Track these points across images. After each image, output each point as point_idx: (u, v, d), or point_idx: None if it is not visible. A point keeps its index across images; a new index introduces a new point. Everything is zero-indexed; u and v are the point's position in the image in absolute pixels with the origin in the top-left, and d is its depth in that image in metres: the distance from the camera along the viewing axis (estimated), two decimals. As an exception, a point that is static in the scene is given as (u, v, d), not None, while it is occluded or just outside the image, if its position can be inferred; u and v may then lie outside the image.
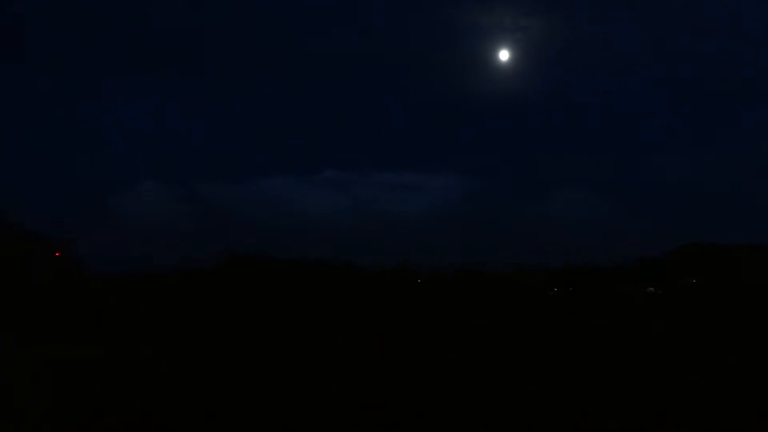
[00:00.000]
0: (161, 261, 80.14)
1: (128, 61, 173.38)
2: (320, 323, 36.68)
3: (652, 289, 78.18)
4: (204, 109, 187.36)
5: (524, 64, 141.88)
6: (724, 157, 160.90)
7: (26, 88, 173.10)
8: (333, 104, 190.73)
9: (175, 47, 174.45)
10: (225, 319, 39.05)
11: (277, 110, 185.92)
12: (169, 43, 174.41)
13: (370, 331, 31.42)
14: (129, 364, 19.43)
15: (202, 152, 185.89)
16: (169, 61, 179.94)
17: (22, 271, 51.06)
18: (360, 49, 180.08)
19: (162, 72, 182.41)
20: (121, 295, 55.26)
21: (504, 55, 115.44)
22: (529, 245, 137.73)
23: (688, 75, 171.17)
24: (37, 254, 56.76)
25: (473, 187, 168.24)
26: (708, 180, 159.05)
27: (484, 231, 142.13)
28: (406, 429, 11.19)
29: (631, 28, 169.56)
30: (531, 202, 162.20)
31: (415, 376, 16.67)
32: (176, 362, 19.88)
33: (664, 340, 25.23)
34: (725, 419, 11.76)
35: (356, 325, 34.87)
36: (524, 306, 55.46)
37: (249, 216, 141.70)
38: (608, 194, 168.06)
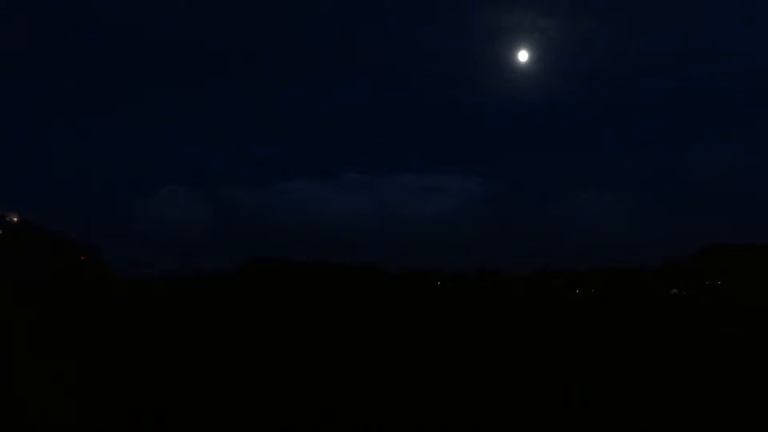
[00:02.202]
0: (186, 264, 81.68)
1: (153, 67, 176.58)
2: (342, 324, 36.99)
3: (675, 290, 77.12)
4: (227, 114, 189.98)
5: (546, 65, 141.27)
6: (750, 158, 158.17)
7: (54, 96, 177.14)
8: (353, 107, 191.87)
9: (200, 55, 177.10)
10: (250, 321, 39.57)
11: (298, 114, 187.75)
12: (195, 51, 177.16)
13: (391, 332, 31.64)
14: (156, 366, 19.96)
15: (225, 156, 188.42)
16: (194, 68, 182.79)
17: (53, 273, 52.41)
18: (380, 52, 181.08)
19: (186, 78, 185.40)
20: (147, 298, 56.32)
21: (524, 56, 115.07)
22: (551, 247, 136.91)
23: (713, 75, 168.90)
24: (66, 258, 58.16)
25: (495, 188, 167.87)
26: (734, 180, 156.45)
27: (506, 233, 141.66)
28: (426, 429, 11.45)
29: (654, 29, 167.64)
30: (553, 203, 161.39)
31: (435, 378, 16.90)
32: (201, 363, 20.36)
33: (690, 344, 25.04)
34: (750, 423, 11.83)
35: (378, 326, 35.10)
36: (545, 309, 55.15)
37: (272, 219, 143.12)
38: (631, 195, 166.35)
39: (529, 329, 33.58)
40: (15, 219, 59.24)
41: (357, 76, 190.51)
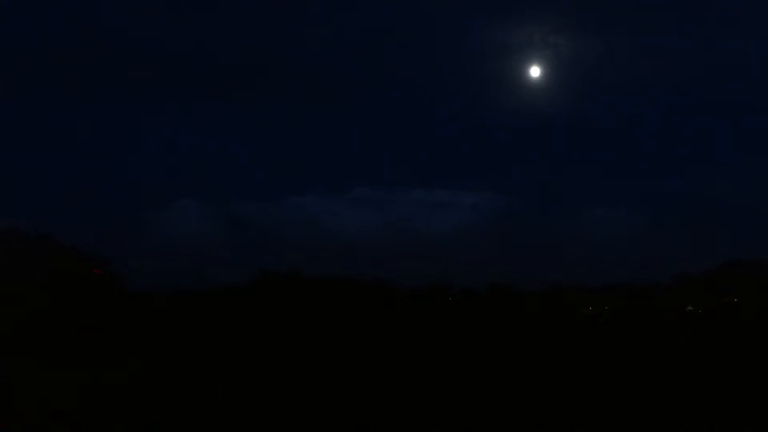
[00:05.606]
0: (197, 277, 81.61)
1: (166, 83, 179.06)
2: (352, 339, 36.70)
3: (691, 307, 75.83)
4: (239, 131, 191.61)
5: (557, 81, 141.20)
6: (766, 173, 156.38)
7: (71, 113, 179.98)
8: (362, 123, 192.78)
9: (214, 71, 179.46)
10: (260, 334, 39.42)
11: (308, 130, 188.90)
12: (210, 67, 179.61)
13: (402, 347, 31.30)
14: (166, 379, 19.81)
15: (237, 172, 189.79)
16: (207, 84, 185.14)
17: (64, 286, 52.55)
18: (388, 68, 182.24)
19: (199, 93, 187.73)
20: (158, 311, 56.39)
21: (535, 72, 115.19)
22: (564, 264, 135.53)
23: (728, 91, 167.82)
24: (78, 271, 58.35)
25: (507, 204, 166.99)
26: (751, 195, 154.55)
27: (518, 249, 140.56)
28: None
29: (662, 47, 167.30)
30: (566, 219, 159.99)
31: (448, 394, 16.58)
32: (212, 376, 20.20)
33: (706, 365, 24.42)
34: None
35: (389, 342, 34.78)
36: (559, 325, 54.42)
37: (282, 234, 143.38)
38: (644, 212, 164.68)
39: (543, 346, 33.09)
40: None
41: (365, 92, 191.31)
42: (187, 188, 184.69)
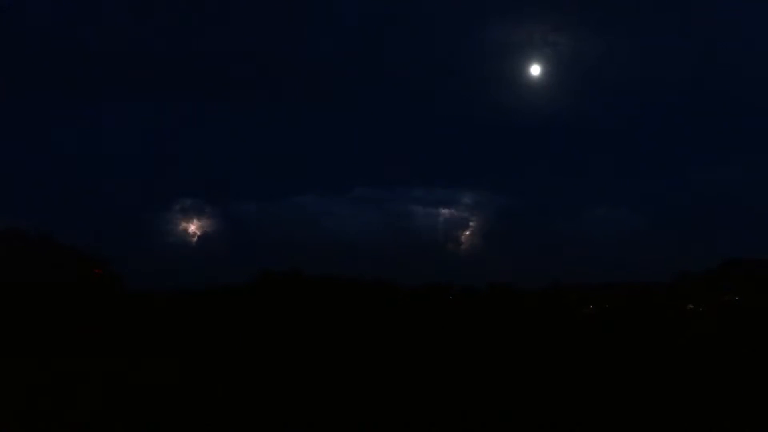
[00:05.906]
0: (197, 277, 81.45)
1: (168, 82, 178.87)
2: (352, 340, 36.71)
3: (691, 306, 75.81)
4: (239, 131, 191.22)
5: (558, 80, 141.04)
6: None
7: (71, 112, 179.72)
8: (362, 123, 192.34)
9: (216, 72, 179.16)
10: (259, 335, 39.43)
11: (308, 130, 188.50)
12: (212, 68, 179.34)
13: (404, 346, 31.30)
14: (166, 379, 19.81)
15: (237, 172, 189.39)
16: (208, 84, 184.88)
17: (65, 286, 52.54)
18: (389, 67, 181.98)
19: (200, 94, 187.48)
20: (158, 311, 56.39)
21: (535, 71, 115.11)
22: (564, 263, 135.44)
23: (723, 89, 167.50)
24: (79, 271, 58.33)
25: (507, 203, 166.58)
26: (751, 195, 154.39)
27: (518, 247, 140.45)
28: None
29: (662, 47, 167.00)
30: (565, 219, 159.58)
31: (448, 392, 16.56)
32: (212, 375, 20.20)
33: (707, 365, 24.39)
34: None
35: (389, 341, 34.79)
36: (559, 324, 54.41)
37: (282, 233, 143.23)
38: (645, 211, 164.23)
39: (543, 344, 33.10)
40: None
41: (365, 92, 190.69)
42: (187, 188, 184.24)
